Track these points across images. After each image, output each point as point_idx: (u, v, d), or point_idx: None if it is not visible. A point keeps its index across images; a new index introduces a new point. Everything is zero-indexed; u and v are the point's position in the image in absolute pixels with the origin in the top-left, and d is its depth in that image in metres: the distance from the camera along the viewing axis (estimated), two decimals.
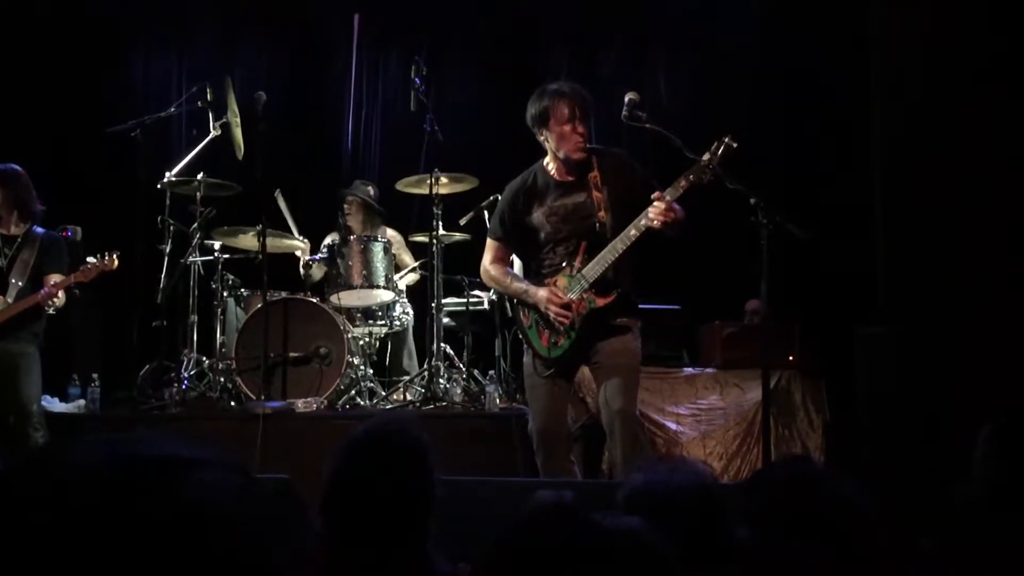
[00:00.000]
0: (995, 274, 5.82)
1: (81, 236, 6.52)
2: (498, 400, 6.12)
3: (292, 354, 6.20)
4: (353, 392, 6.37)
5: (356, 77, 8.61)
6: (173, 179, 6.54)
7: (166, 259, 6.52)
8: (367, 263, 6.52)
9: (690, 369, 6.82)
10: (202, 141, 6.70)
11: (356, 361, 6.37)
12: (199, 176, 6.54)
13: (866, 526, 2.00)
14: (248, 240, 6.69)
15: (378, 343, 6.97)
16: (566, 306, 4.63)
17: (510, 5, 8.52)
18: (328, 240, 7.22)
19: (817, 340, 6.86)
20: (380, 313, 6.78)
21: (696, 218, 4.68)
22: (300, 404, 6.00)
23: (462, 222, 6.80)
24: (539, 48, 8.67)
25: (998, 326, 5.73)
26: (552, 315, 4.63)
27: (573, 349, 4.70)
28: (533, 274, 4.84)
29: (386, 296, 6.65)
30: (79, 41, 8.03)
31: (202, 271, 6.73)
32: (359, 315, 6.74)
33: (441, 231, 6.52)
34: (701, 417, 6.48)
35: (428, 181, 6.42)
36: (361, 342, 6.64)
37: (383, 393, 6.49)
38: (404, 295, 6.96)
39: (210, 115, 6.70)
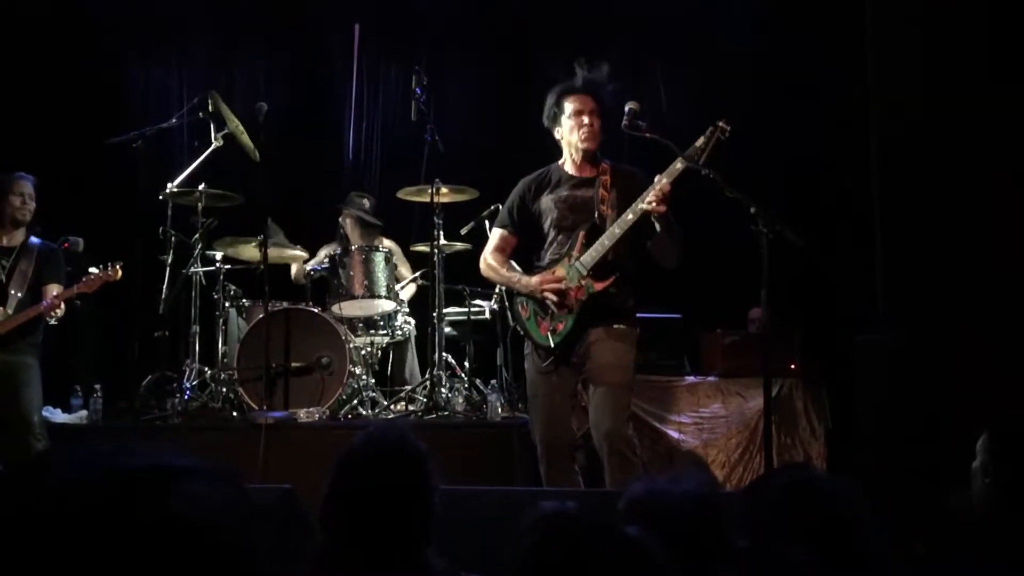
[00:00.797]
0: (993, 282, 5.83)
1: (83, 247, 6.53)
2: (500, 409, 6.12)
3: (294, 364, 6.20)
4: (355, 402, 6.37)
5: (356, 87, 8.63)
6: (175, 190, 6.55)
7: (168, 270, 6.53)
8: (368, 273, 6.53)
9: (692, 378, 6.81)
10: (204, 152, 6.71)
11: (358, 371, 6.38)
12: (200, 187, 6.55)
13: (865, 533, 2.00)
14: (250, 251, 6.69)
15: (380, 353, 6.97)
16: (559, 284, 4.66)
17: (510, 15, 8.53)
18: (324, 252, 7.26)
19: (819, 348, 6.86)
20: (382, 323, 6.78)
21: (696, 226, 4.70)
22: (302, 414, 6.00)
23: (463, 232, 6.81)
24: (540, 58, 8.68)
25: (996, 334, 5.74)
26: (547, 293, 4.66)
27: (573, 334, 4.71)
28: (533, 267, 4.88)
29: (388, 306, 6.66)
30: (80, 52, 8.05)
31: (204, 281, 6.73)
32: (361, 325, 6.74)
33: (442, 241, 6.53)
34: (703, 425, 6.48)
35: (429, 191, 6.43)
36: (363, 352, 6.64)
37: (385, 403, 6.49)
38: (405, 305, 6.97)
39: (211, 126, 6.72)
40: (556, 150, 5.05)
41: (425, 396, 6.31)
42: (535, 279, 4.75)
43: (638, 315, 4.94)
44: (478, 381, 6.71)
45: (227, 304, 6.71)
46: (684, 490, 2.07)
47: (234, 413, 6.21)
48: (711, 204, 4.63)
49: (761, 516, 2.04)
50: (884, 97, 6.24)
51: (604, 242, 4.64)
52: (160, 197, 6.57)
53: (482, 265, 5.05)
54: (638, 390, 5.43)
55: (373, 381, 6.62)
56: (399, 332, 6.90)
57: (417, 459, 2.38)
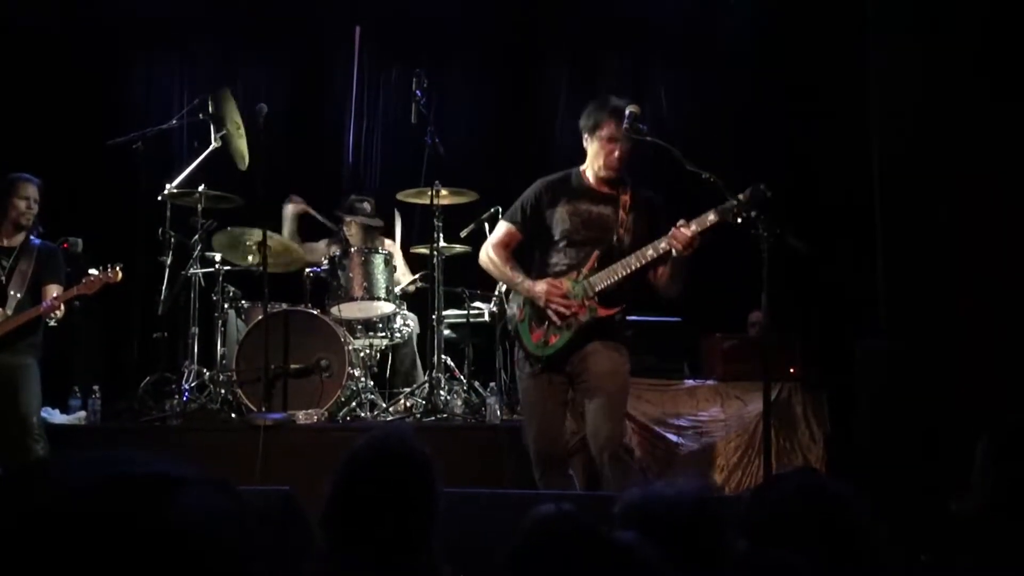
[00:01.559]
0: (994, 288, 5.83)
1: (82, 247, 6.52)
2: (499, 412, 6.12)
3: (293, 366, 6.20)
4: (354, 404, 6.36)
5: (357, 89, 8.62)
6: (174, 191, 6.55)
7: (167, 271, 6.53)
8: (368, 275, 6.52)
9: (691, 381, 6.81)
10: (203, 153, 6.71)
11: (357, 373, 6.37)
12: (200, 188, 6.55)
13: (870, 539, 2.00)
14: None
15: (379, 355, 6.97)
16: (565, 297, 4.65)
17: (511, 18, 8.53)
18: (321, 243, 7.29)
19: (818, 352, 6.86)
20: (381, 325, 6.77)
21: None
22: (301, 416, 6.00)
23: (463, 234, 6.81)
24: (540, 61, 8.69)
25: (997, 340, 5.74)
26: (553, 307, 4.64)
27: (565, 350, 4.71)
28: (537, 272, 4.85)
29: (387, 308, 6.65)
30: (80, 53, 8.04)
31: (203, 283, 6.73)
32: (360, 327, 6.74)
33: (442, 243, 6.52)
34: (702, 429, 6.47)
35: (429, 193, 6.43)
36: (362, 354, 6.64)
37: (384, 405, 6.49)
38: (405, 306, 6.96)
39: (211, 127, 6.72)
40: (557, 154, 5.06)
41: (424, 398, 6.31)
42: (540, 286, 4.71)
43: (639, 318, 4.95)
44: (477, 383, 6.71)
45: (226, 306, 6.71)
46: (680, 494, 2.07)
47: (233, 415, 6.20)
48: (711, 206, 4.61)
49: (768, 520, 2.04)
50: (885, 102, 6.25)
51: (619, 271, 4.63)
52: (159, 198, 6.56)
53: (483, 256, 5.02)
54: (637, 393, 5.43)
55: (372, 383, 6.62)
56: (398, 334, 6.89)
57: (420, 463, 2.37)
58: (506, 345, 6.70)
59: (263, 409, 5.97)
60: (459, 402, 6.39)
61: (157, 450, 1.02)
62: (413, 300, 7.17)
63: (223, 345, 6.59)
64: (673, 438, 6.42)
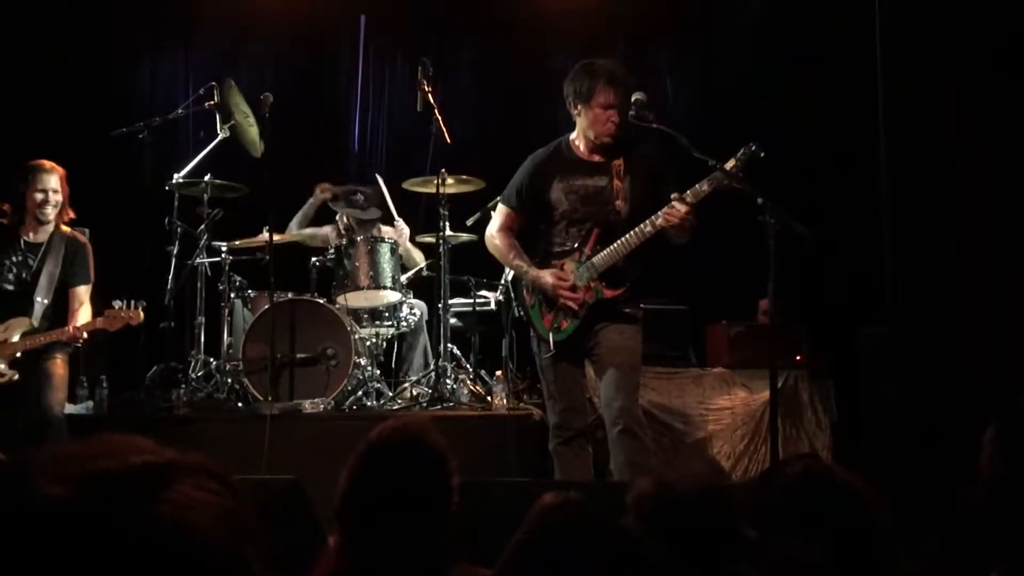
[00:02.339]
0: (1001, 274, 5.81)
1: (88, 237, 6.52)
2: (505, 401, 6.12)
3: (299, 355, 6.20)
4: (360, 393, 6.36)
5: (362, 78, 8.62)
6: (180, 181, 6.55)
7: (173, 261, 6.53)
8: (373, 264, 6.52)
9: (697, 369, 6.81)
10: (210, 143, 6.71)
11: (363, 362, 6.37)
12: (206, 178, 6.55)
13: (878, 525, 2.00)
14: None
15: (385, 343, 6.97)
16: (573, 288, 4.65)
17: (516, 6, 8.51)
18: (326, 228, 7.34)
19: (825, 340, 6.85)
20: (387, 314, 6.77)
21: (703, 218, 4.68)
22: (307, 405, 6.00)
23: (469, 223, 6.80)
24: (546, 49, 8.66)
25: (1004, 326, 5.73)
26: (562, 300, 4.65)
27: (577, 334, 4.72)
28: (541, 253, 4.84)
29: (392, 297, 6.65)
30: (86, 43, 8.03)
31: (209, 272, 6.74)
32: (366, 316, 6.74)
33: (448, 232, 6.52)
34: (708, 417, 6.47)
35: (434, 182, 6.42)
36: (368, 343, 6.64)
37: (390, 394, 6.49)
38: (412, 294, 6.95)
39: (217, 117, 6.70)
40: (562, 132, 5.02)
41: (430, 387, 6.31)
42: (548, 277, 4.71)
43: (646, 305, 4.95)
44: (483, 372, 6.71)
45: (232, 295, 6.71)
46: (692, 483, 2.07)
47: (239, 404, 6.21)
48: (718, 194, 4.60)
49: (774, 505, 2.04)
50: (893, 87, 6.21)
51: (619, 248, 4.63)
52: (166, 188, 6.56)
53: (489, 243, 5.02)
54: (643, 381, 5.43)
55: (378, 372, 6.62)
56: (404, 323, 6.88)
57: (438, 456, 2.35)
58: (512, 334, 6.71)
59: (269, 398, 5.98)
60: (465, 391, 6.39)
61: (164, 440, 0.98)
62: (420, 287, 7.17)
63: (229, 334, 6.59)
64: (679, 426, 6.43)
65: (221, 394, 6.30)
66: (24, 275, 5.55)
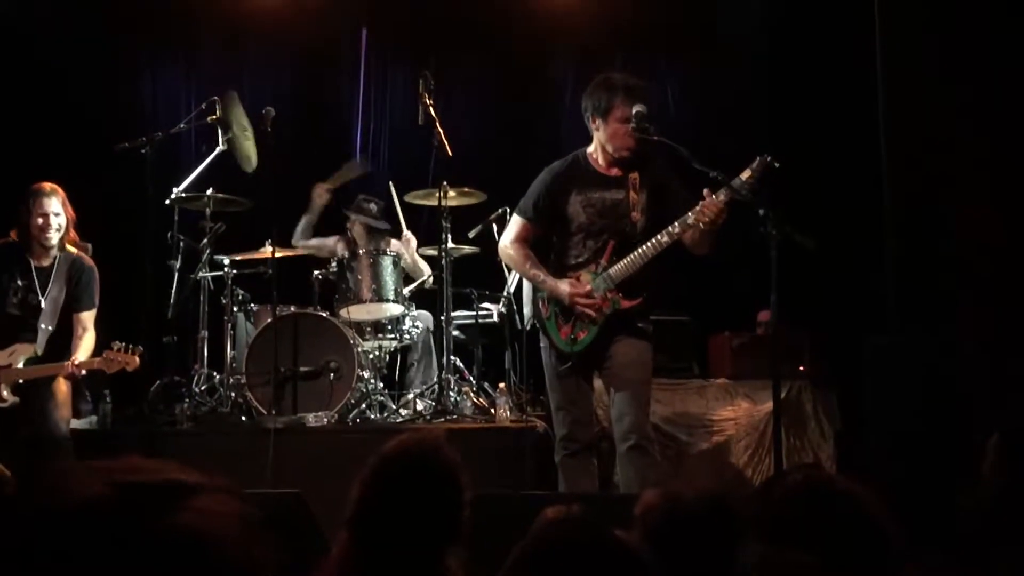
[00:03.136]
0: (1003, 283, 5.81)
1: (91, 252, 6.54)
2: (508, 413, 6.12)
3: (302, 368, 6.20)
4: (364, 406, 6.36)
5: (364, 91, 8.64)
6: (182, 195, 6.56)
7: (176, 274, 6.53)
8: (376, 277, 6.53)
9: (700, 380, 6.81)
10: (209, 156, 6.71)
11: (366, 375, 6.37)
12: (208, 191, 6.56)
13: (879, 532, 2.00)
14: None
15: (388, 356, 6.97)
16: (590, 295, 4.65)
17: (518, 19, 8.52)
18: (332, 240, 7.35)
19: (828, 350, 6.85)
20: (390, 327, 6.78)
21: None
22: (310, 419, 6.00)
23: (471, 235, 6.82)
24: (547, 62, 8.68)
25: (1006, 334, 5.73)
26: (580, 308, 4.65)
27: (593, 345, 4.73)
28: (555, 265, 4.86)
29: (395, 310, 6.65)
30: (88, 57, 8.05)
31: (212, 286, 6.75)
32: (369, 329, 6.74)
33: (450, 244, 6.52)
34: (712, 428, 6.47)
35: (436, 194, 6.43)
36: (371, 356, 6.64)
37: (393, 407, 6.49)
38: (414, 306, 6.95)
39: (219, 131, 6.72)
40: (565, 153, 5.04)
41: (433, 400, 6.31)
42: (564, 287, 4.72)
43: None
44: (486, 385, 6.71)
45: (235, 309, 6.72)
46: (698, 496, 2.07)
47: (243, 418, 6.21)
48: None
49: (775, 516, 2.04)
50: (894, 98, 6.22)
51: (636, 260, 4.64)
52: (167, 202, 6.57)
53: (503, 254, 5.05)
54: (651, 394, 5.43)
55: (381, 385, 6.62)
56: (407, 336, 6.89)
57: (450, 470, 2.36)
58: (515, 346, 6.71)
59: (273, 412, 5.98)
60: (468, 403, 6.39)
61: (168, 454, 1.04)
62: (425, 299, 7.17)
63: (232, 348, 6.59)
64: (683, 437, 6.42)
65: (225, 408, 6.30)
66: (30, 300, 5.52)
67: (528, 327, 5.87)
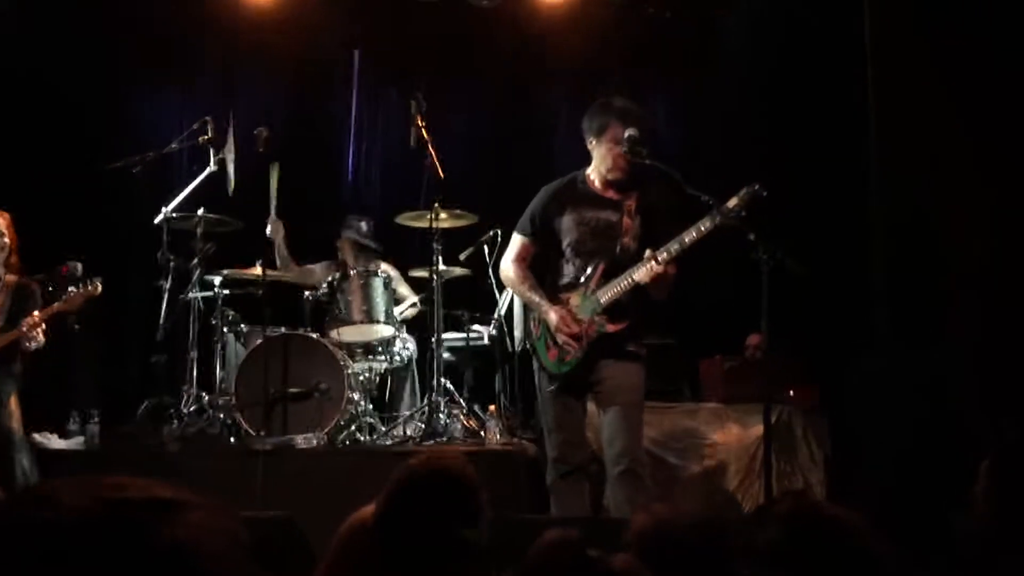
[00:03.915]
0: (993, 305, 5.83)
1: (81, 271, 6.52)
2: (498, 435, 6.11)
3: (292, 390, 6.18)
4: (353, 428, 6.35)
5: (356, 112, 8.65)
6: (172, 215, 6.54)
7: (166, 295, 6.51)
8: (367, 298, 6.52)
9: (691, 403, 6.81)
10: (199, 176, 6.70)
11: (356, 396, 6.35)
12: (199, 212, 6.55)
13: (871, 560, 2.00)
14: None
15: (378, 378, 6.96)
16: (576, 336, 4.68)
17: (510, 41, 8.55)
18: (319, 265, 7.30)
19: (818, 374, 6.85)
20: (380, 348, 6.77)
21: (694, 251, 4.70)
22: (300, 440, 5.98)
23: (462, 257, 6.82)
24: (539, 84, 8.71)
25: (996, 357, 5.74)
26: (562, 340, 4.68)
27: (579, 368, 4.75)
28: (549, 284, 4.89)
29: (386, 331, 6.65)
30: (81, 76, 8.05)
31: (202, 307, 6.73)
32: (359, 350, 6.73)
33: (441, 266, 6.52)
34: (703, 452, 6.46)
35: (428, 216, 6.43)
36: (361, 377, 6.62)
37: (383, 429, 6.48)
38: (404, 329, 6.96)
39: (211, 151, 6.72)
40: (557, 175, 5.07)
41: (423, 422, 6.29)
42: (553, 316, 4.76)
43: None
44: (476, 407, 6.70)
45: (225, 329, 6.70)
46: (689, 520, 2.07)
47: (232, 439, 6.18)
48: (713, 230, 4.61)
49: (764, 543, 2.03)
50: (884, 121, 6.26)
51: (622, 285, 4.67)
52: (156, 222, 6.55)
53: (503, 274, 5.10)
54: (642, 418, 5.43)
55: (371, 407, 6.61)
56: (397, 358, 6.88)
57: (471, 489, 2.37)
58: (505, 369, 6.71)
59: (262, 433, 5.95)
60: (458, 426, 6.38)
61: (156, 475, 1.04)
62: (412, 323, 7.17)
63: (222, 369, 6.58)
64: (673, 460, 6.41)
65: (214, 429, 6.26)
66: None
67: (519, 349, 5.86)
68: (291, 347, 6.28)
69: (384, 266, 7.18)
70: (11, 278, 5.71)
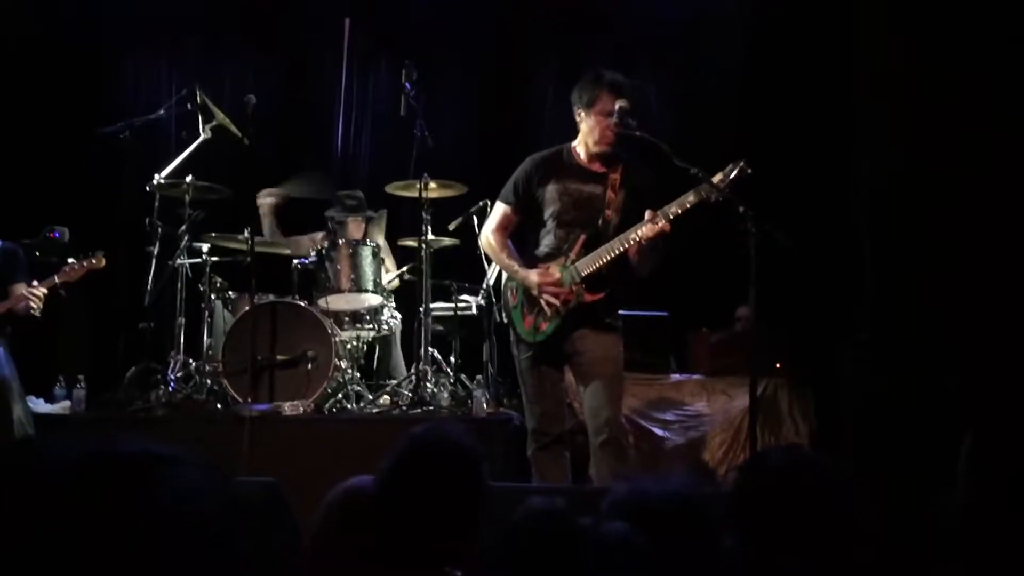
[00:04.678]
0: (982, 282, 5.86)
1: (68, 237, 6.50)
2: (485, 405, 6.12)
3: (279, 357, 6.19)
4: (340, 396, 6.36)
5: (346, 82, 8.60)
6: (162, 182, 6.52)
7: (154, 261, 6.51)
8: (355, 267, 6.52)
9: (677, 376, 6.83)
10: (192, 144, 6.68)
11: (343, 365, 6.36)
12: (188, 179, 6.52)
13: (857, 515, 2.01)
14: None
15: (365, 347, 6.97)
16: (558, 295, 4.68)
17: (501, 12, 8.51)
18: (306, 237, 7.30)
19: (804, 348, 6.87)
20: (368, 317, 6.77)
21: (685, 227, 4.71)
22: (287, 407, 5.99)
23: (451, 227, 6.81)
24: (529, 55, 8.67)
25: (984, 334, 5.77)
26: (546, 297, 4.68)
27: (555, 337, 4.77)
28: (528, 255, 4.89)
29: (374, 300, 6.65)
30: (69, 43, 8.00)
31: (190, 274, 6.72)
32: (347, 319, 6.73)
33: (430, 236, 6.51)
34: (688, 424, 6.49)
35: (417, 186, 6.41)
36: (348, 346, 6.63)
37: (370, 397, 6.49)
38: (392, 299, 6.96)
39: (199, 118, 6.69)
40: (547, 146, 5.06)
41: (410, 391, 6.30)
42: (535, 276, 4.76)
43: (626, 312, 4.98)
44: (464, 376, 6.72)
45: (213, 296, 6.69)
46: (669, 490, 2.07)
47: (218, 405, 6.19)
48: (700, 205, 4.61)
49: (756, 495, 2.04)
50: (872, 98, 6.26)
51: (603, 256, 4.67)
52: (147, 189, 6.54)
53: (483, 241, 5.11)
54: (624, 387, 5.45)
55: (359, 375, 6.62)
56: (385, 327, 6.88)
57: (473, 459, 2.38)
58: (493, 338, 6.71)
59: (249, 400, 5.96)
60: (445, 395, 6.39)
61: (143, 439, 1.04)
62: (400, 294, 7.17)
63: (210, 336, 6.57)
64: (659, 432, 6.44)
65: (200, 395, 6.27)
66: None
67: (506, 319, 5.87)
68: (279, 315, 6.28)
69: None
70: None
